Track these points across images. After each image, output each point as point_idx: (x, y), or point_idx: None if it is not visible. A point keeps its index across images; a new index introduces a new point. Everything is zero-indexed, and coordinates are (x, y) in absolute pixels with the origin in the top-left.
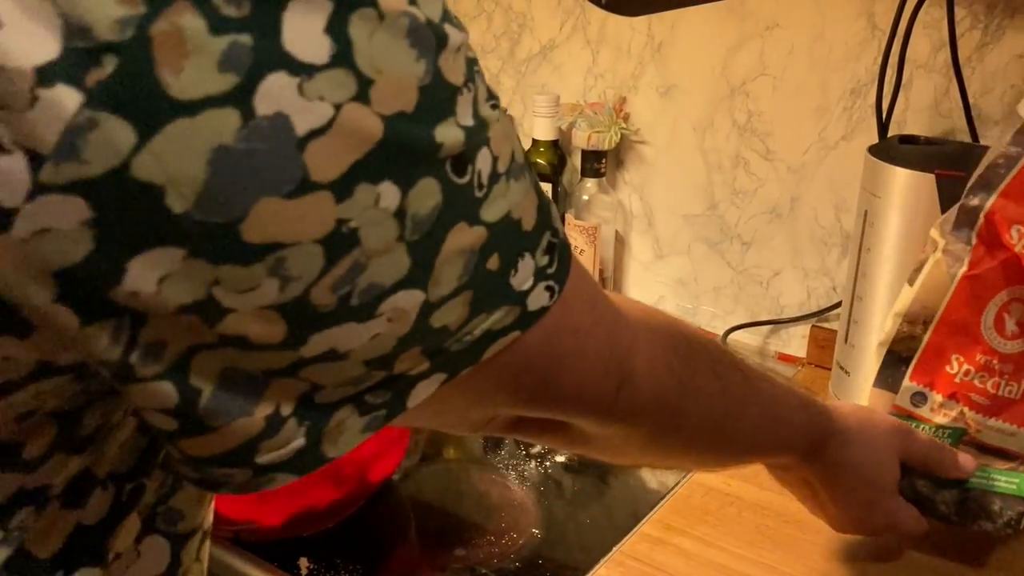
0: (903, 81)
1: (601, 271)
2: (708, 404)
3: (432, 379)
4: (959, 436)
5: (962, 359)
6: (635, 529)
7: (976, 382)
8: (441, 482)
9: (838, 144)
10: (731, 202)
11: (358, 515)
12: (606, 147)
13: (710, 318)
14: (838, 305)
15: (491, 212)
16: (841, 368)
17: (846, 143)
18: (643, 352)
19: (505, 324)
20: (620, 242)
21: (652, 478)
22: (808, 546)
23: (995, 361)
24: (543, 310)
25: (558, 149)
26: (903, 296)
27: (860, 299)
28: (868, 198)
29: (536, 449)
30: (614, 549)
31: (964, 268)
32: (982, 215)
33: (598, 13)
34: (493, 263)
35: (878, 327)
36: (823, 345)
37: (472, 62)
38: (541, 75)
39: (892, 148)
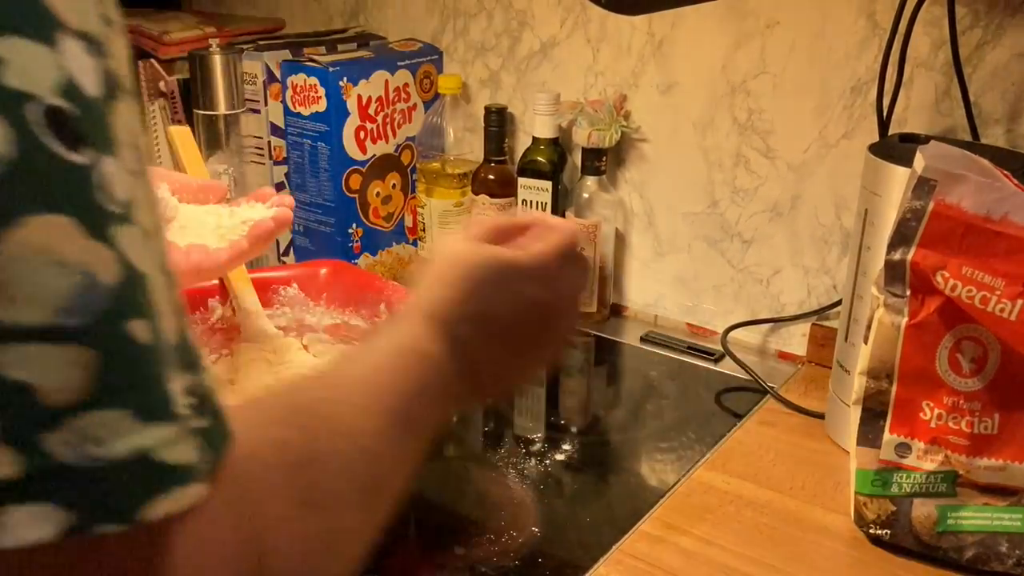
0: (904, 79)
1: (601, 269)
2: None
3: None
4: (952, 479)
5: (932, 404)
6: (635, 527)
7: (951, 424)
8: (440, 480)
9: (839, 142)
10: (731, 200)
11: None
12: (607, 145)
13: (710, 316)
14: (838, 303)
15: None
16: (841, 367)
17: (847, 141)
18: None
19: (183, 461)
20: (620, 240)
21: (652, 476)
22: (808, 545)
23: (962, 401)
24: (188, 474)
25: (558, 147)
26: (862, 355)
27: (860, 298)
28: (868, 196)
29: (536, 447)
30: (614, 547)
31: (906, 319)
32: (908, 267)
33: (598, 11)
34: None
35: None
36: (823, 343)
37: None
38: (541, 73)
39: (893, 147)
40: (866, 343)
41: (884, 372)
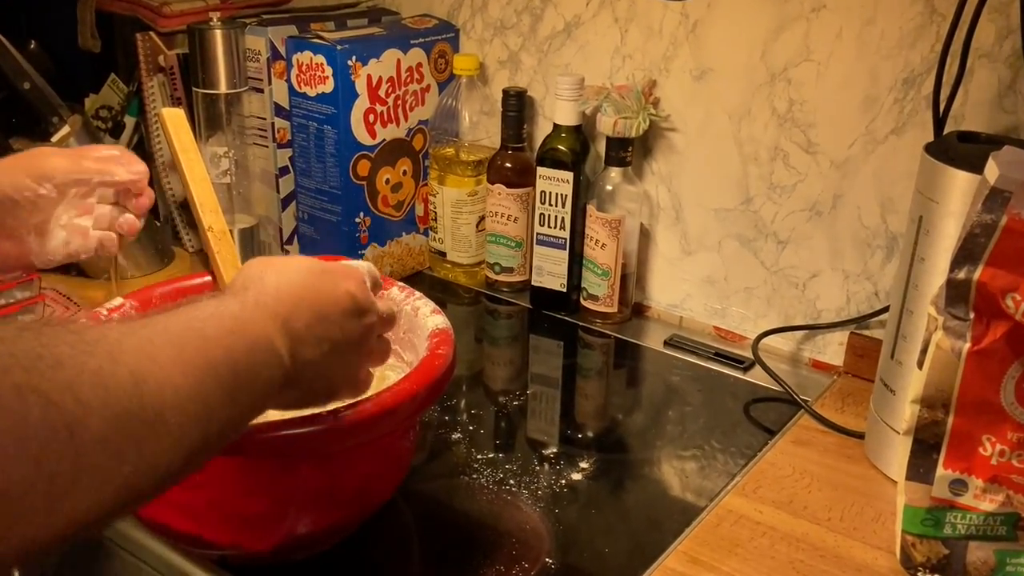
0: (965, 72)
1: (624, 265)
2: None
3: None
4: (1014, 522)
5: (993, 439)
6: (658, 562)
7: (1015, 462)
8: (448, 499)
9: (887, 138)
10: (767, 197)
11: (355, 537)
12: (633, 134)
13: (739, 320)
14: (880, 312)
15: None
16: (885, 386)
17: (896, 138)
18: None
19: None
20: (645, 236)
21: (676, 500)
22: None
23: None
24: None
25: (581, 135)
26: (915, 381)
27: (910, 313)
28: (923, 202)
29: (551, 462)
30: None
31: (968, 344)
32: (973, 288)
33: None
34: None
35: None
36: (862, 354)
37: None
38: (565, 54)
39: (950, 147)
40: (920, 368)
41: (940, 401)
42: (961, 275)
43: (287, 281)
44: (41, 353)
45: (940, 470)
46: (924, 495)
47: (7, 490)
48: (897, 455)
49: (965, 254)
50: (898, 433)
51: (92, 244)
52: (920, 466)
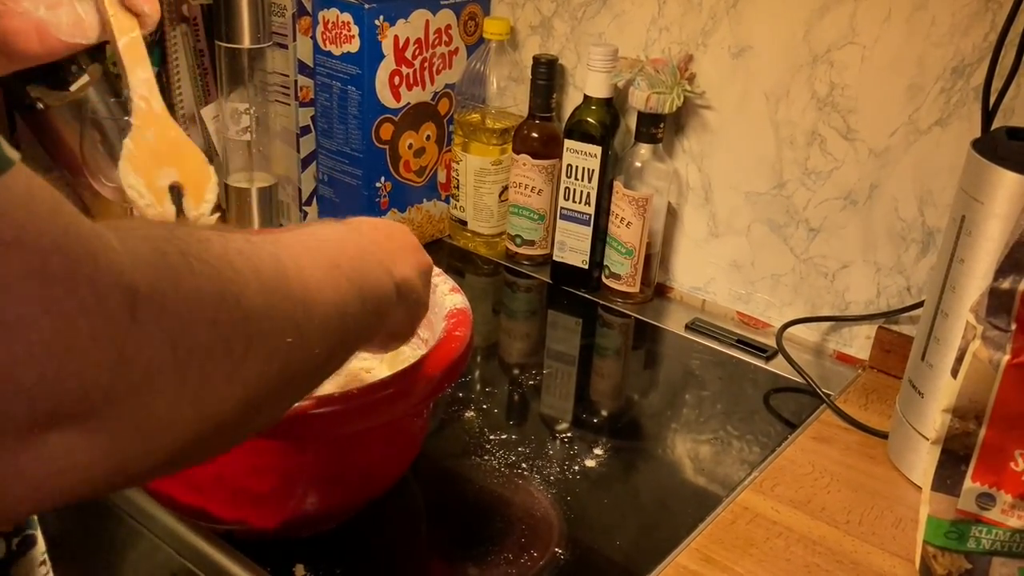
0: (1021, 64)
1: (649, 245)
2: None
3: None
4: None
5: None
6: (670, 559)
7: None
8: (458, 481)
9: (931, 129)
10: (801, 182)
11: (363, 516)
12: (666, 110)
13: (765, 307)
14: (912, 308)
15: None
16: (914, 387)
17: (940, 129)
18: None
19: None
20: (672, 215)
21: (692, 493)
22: None
23: None
24: None
25: (612, 109)
26: (948, 390)
27: (945, 315)
28: (967, 201)
29: (564, 446)
30: None
31: (1007, 356)
32: (1017, 298)
33: None
34: None
35: None
36: (889, 349)
37: None
38: (599, 23)
39: (999, 144)
40: (955, 377)
41: (973, 413)
42: (1006, 284)
43: (397, 231)
44: (192, 233)
45: (968, 483)
46: (949, 507)
47: (190, 353)
48: (922, 460)
49: (1012, 263)
50: (924, 437)
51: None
52: (947, 477)
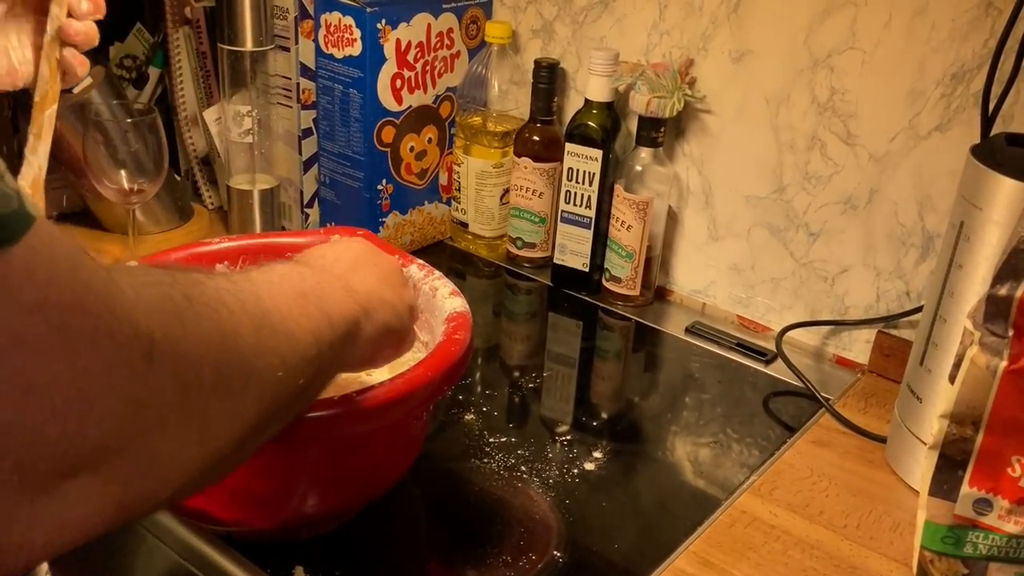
0: (1021, 70)
1: (649, 248)
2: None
3: None
4: None
5: (1023, 460)
6: (668, 561)
7: None
8: (458, 483)
9: (931, 134)
10: (801, 187)
11: (362, 518)
12: (666, 115)
13: (764, 311)
14: (911, 312)
15: None
16: (912, 392)
17: (940, 134)
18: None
19: None
20: (673, 219)
21: (691, 496)
22: None
23: None
24: None
25: (612, 112)
26: (946, 395)
27: (944, 321)
28: (965, 207)
29: (564, 449)
30: None
31: (1005, 362)
32: (1015, 305)
33: None
34: None
35: None
36: (889, 353)
37: None
38: (600, 27)
39: (998, 150)
40: (952, 382)
41: (970, 418)
42: (1003, 291)
43: (343, 249)
44: (187, 274)
45: (965, 488)
46: (947, 512)
47: (198, 394)
48: (920, 464)
49: (1009, 269)
50: (922, 442)
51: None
52: (944, 482)
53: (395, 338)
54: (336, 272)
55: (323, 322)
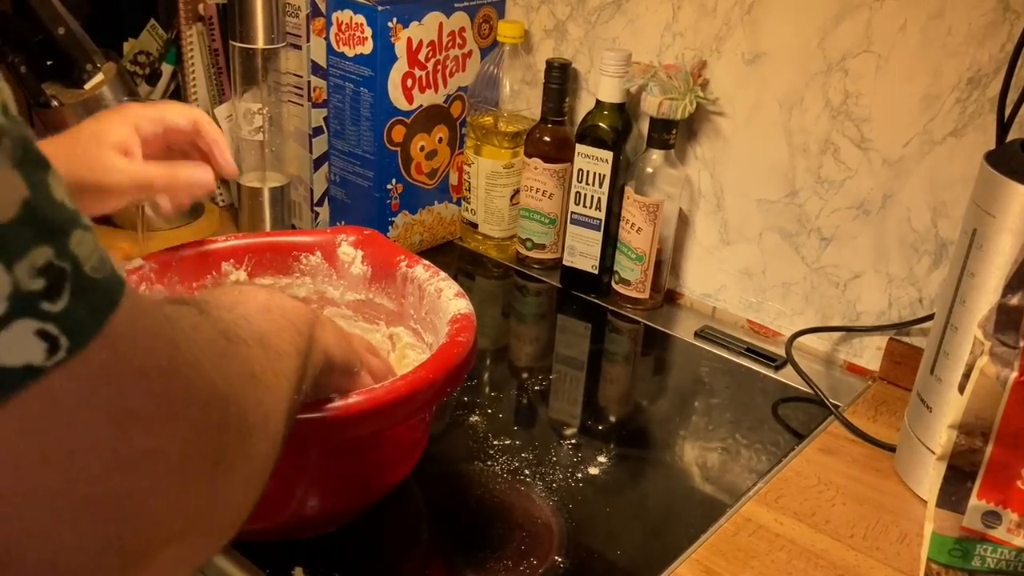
0: None
1: (659, 251)
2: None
3: None
4: None
5: None
6: (670, 569)
7: None
8: (460, 486)
9: (945, 140)
10: (814, 191)
11: (363, 519)
12: (678, 117)
13: (775, 316)
14: (923, 320)
15: None
16: (922, 401)
17: (955, 140)
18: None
19: (16, 363)
20: (683, 222)
21: (695, 502)
22: None
23: None
24: (29, 373)
25: (624, 114)
26: (954, 406)
27: (955, 329)
28: (979, 214)
29: (569, 453)
30: None
31: (1015, 373)
32: None
33: None
34: None
35: None
36: (900, 361)
37: None
38: (613, 27)
39: (1014, 157)
40: (961, 393)
41: (979, 429)
42: (1014, 301)
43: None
44: (215, 312)
45: (974, 500)
46: (954, 524)
47: (251, 437)
48: (929, 475)
49: (1021, 279)
50: (931, 452)
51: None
52: (952, 494)
53: (341, 360)
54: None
55: (294, 331)
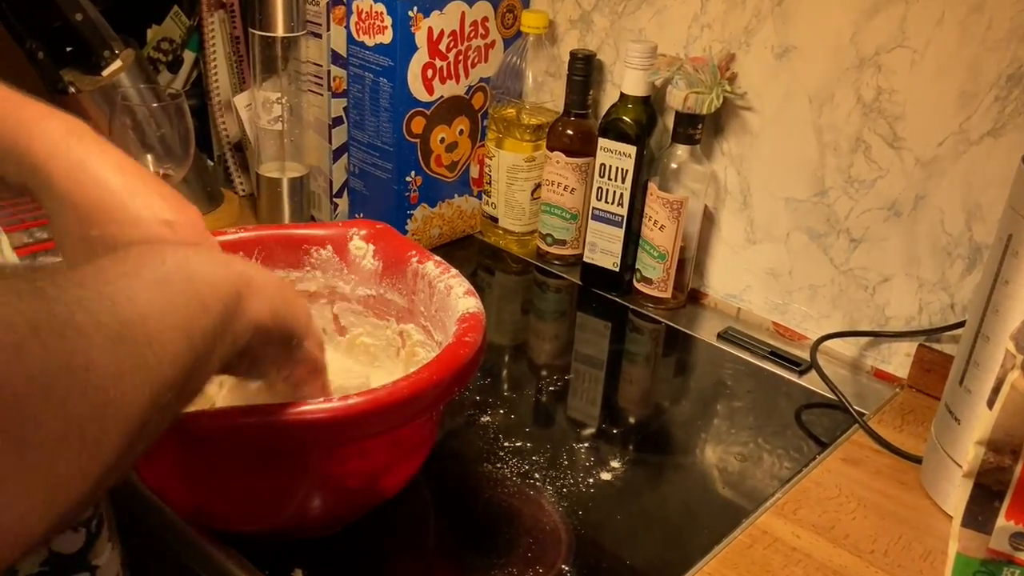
0: None
1: (683, 249)
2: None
3: None
4: None
5: None
6: None
7: None
8: (468, 488)
9: (982, 140)
10: (843, 191)
11: (368, 518)
12: (704, 111)
13: (801, 318)
14: (954, 327)
15: None
16: (950, 412)
17: (992, 140)
18: None
19: None
20: (708, 219)
21: (711, 511)
22: None
23: None
24: None
25: (649, 107)
26: (983, 421)
27: (987, 339)
28: (1015, 219)
29: (582, 456)
30: None
31: None
32: None
33: None
34: None
35: None
36: (929, 368)
37: None
38: (639, 18)
39: None
40: (991, 408)
41: (1009, 447)
42: None
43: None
44: (44, 290)
45: (1001, 520)
46: (980, 545)
47: (38, 447)
48: (956, 489)
49: None
50: (959, 466)
51: None
52: (979, 513)
53: (278, 331)
54: (210, 242)
55: (194, 308)
